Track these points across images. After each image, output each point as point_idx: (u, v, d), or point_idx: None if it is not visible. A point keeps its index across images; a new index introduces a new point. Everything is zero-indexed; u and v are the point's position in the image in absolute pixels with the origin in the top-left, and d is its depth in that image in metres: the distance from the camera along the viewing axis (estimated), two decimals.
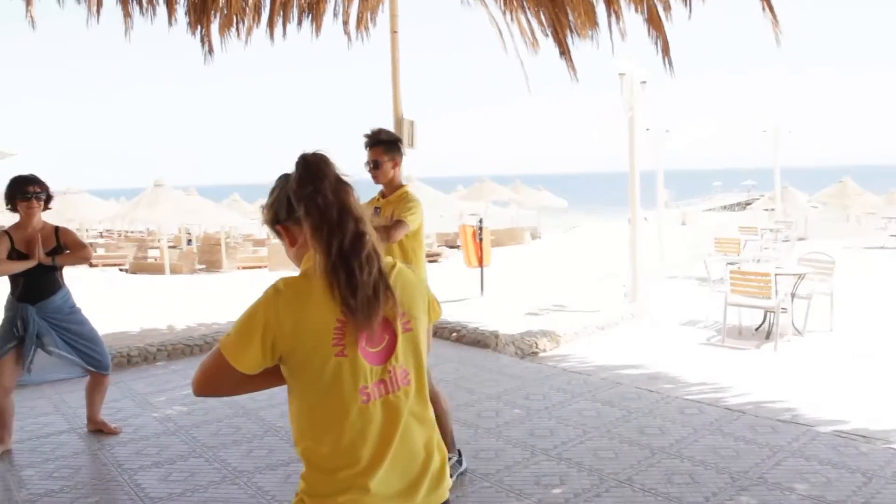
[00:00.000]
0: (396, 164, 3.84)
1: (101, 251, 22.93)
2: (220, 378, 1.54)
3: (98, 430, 4.58)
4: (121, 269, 19.06)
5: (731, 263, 9.88)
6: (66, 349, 4.24)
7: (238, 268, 18.54)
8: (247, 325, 1.50)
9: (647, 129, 12.16)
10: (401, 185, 3.87)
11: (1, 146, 13.28)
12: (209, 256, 19.40)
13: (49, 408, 5.16)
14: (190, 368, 5.78)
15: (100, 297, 10.93)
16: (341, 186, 1.57)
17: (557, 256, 17.86)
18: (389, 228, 3.63)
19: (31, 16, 5.92)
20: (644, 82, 8.62)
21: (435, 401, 3.75)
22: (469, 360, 6.33)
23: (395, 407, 1.55)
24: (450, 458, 3.76)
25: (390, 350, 1.57)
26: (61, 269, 4.27)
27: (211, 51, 6.97)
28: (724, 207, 43.92)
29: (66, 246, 4.22)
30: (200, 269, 18.45)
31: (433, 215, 28.10)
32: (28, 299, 4.13)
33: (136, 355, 6.37)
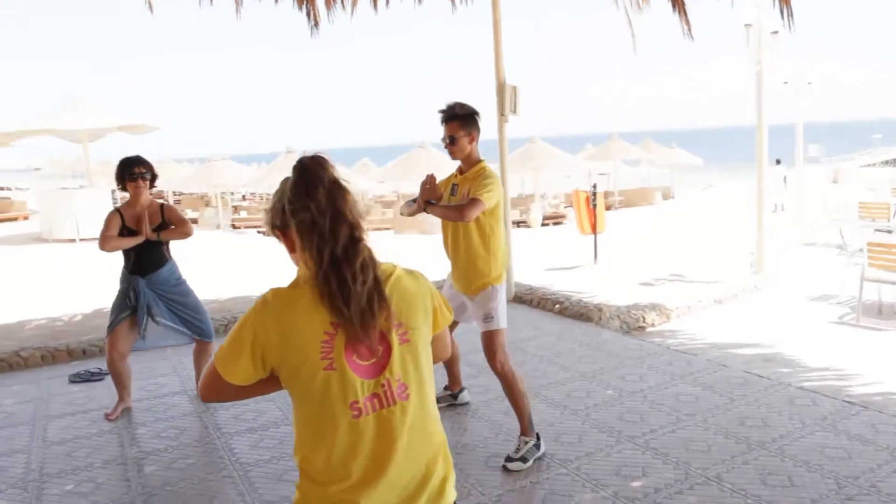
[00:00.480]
0: (473, 139, 3.72)
1: (243, 214, 24.48)
2: (218, 388, 1.55)
3: None
4: (258, 231, 20.27)
5: (879, 231, 8.91)
6: (172, 318, 4.54)
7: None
8: (237, 338, 1.49)
9: (786, 83, 11.08)
10: (478, 161, 3.75)
11: (147, 121, 14.47)
12: None
13: (168, 369, 5.60)
14: None
15: (232, 260, 11.72)
16: (337, 191, 1.51)
17: (687, 219, 16.92)
18: (464, 207, 3.54)
19: (149, 2, 6.27)
20: (775, 32, 7.80)
21: (511, 383, 3.69)
22: (568, 335, 6.14)
23: (390, 422, 1.49)
24: (527, 442, 3.69)
25: (384, 363, 1.50)
26: (167, 243, 4.56)
27: (317, 24, 7.09)
28: (886, 163, 39.48)
29: (170, 222, 4.50)
30: None
31: (559, 175, 27.52)
32: (138, 272, 4.46)
33: None
